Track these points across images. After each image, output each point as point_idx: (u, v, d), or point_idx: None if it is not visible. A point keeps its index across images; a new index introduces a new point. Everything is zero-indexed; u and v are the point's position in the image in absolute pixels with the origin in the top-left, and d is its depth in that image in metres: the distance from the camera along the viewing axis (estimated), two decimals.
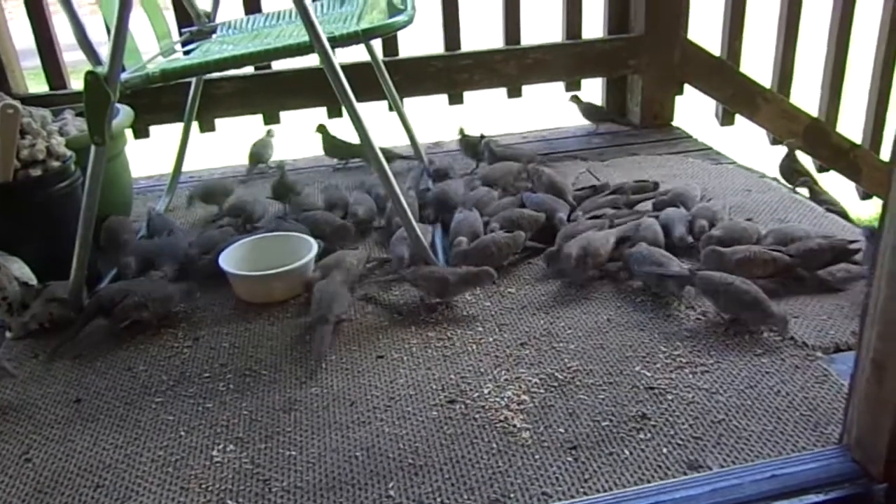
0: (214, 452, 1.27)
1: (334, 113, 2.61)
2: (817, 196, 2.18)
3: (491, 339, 1.54)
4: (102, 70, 1.42)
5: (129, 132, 2.28)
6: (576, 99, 2.73)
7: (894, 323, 0.98)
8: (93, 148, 1.50)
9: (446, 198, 2.00)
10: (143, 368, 1.52)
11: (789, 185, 2.26)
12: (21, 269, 1.67)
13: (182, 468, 1.24)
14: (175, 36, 2.12)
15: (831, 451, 1.12)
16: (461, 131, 2.49)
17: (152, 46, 1.97)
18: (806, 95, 2.81)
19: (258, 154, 2.52)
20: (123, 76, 1.47)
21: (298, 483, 1.20)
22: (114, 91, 1.42)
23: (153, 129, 2.55)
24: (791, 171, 2.31)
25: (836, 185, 2.85)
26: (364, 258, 1.80)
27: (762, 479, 1.06)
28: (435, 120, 3.29)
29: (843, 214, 2.09)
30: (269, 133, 2.58)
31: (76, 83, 2.50)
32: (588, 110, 2.75)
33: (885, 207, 0.98)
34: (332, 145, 2.49)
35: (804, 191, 2.23)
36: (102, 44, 1.55)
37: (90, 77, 1.40)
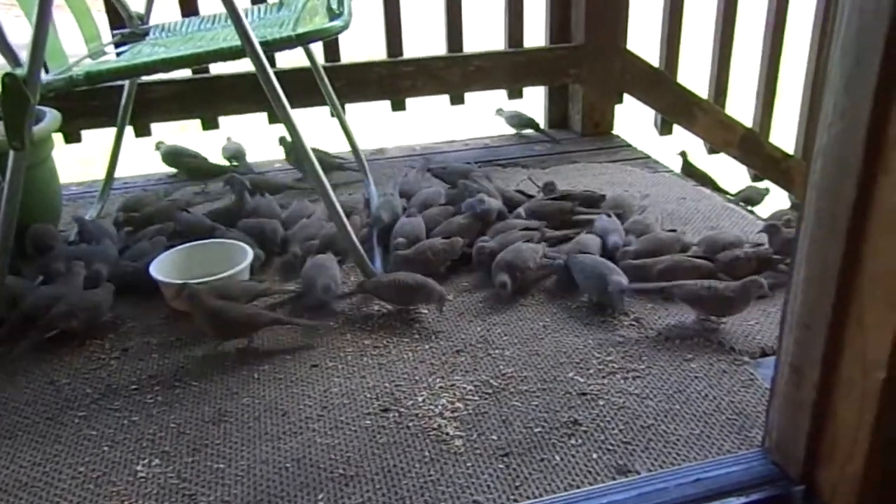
0: (139, 467, 1.24)
1: (275, 118, 2.56)
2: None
3: (427, 347, 1.53)
4: (22, 72, 1.36)
5: (58, 137, 2.21)
6: (500, 111, 2.84)
7: (809, 328, 1.00)
8: (11, 153, 1.44)
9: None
10: (67, 381, 1.46)
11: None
12: None
13: (104, 485, 1.20)
14: (108, 38, 2.06)
15: (753, 454, 1.14)
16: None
17: (84, 49, 1.91)
18: (741, 107, 2.89)
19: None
20: (45, 78, 1.42)
21: (225, 497, 1.17)
22: (34, 94, 1.37)
23: (86, 133, 2.48)
24: (687, 172, 2.54)
25: (770, 193, 2.94)
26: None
27: (686, 483, 1.08)
28: (377, 127, 3.29)
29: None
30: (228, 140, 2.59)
31: None
32: (512, 118, 2.84)
33: (800, 219, 1.01)
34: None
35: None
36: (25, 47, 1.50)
37: (8, 79, 1.35)
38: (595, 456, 1.22)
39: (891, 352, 0.91)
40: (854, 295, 0.94)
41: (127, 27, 2.06)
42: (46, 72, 1.46)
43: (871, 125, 0.87)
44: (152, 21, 2.12)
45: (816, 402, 1.02)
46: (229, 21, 1.94)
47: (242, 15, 1.42)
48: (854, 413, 0.97)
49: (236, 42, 1.48)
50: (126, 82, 2.14)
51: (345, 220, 1.61)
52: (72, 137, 2.44)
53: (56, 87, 1.42)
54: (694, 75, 2.87)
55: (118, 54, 1.90)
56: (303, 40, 1.56)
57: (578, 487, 1.15)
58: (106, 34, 2.09)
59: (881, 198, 0.89)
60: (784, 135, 2.93)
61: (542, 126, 2.87)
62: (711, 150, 2.91)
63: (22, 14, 1.54)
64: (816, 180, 0.97)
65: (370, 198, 2.21)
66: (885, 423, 0.95)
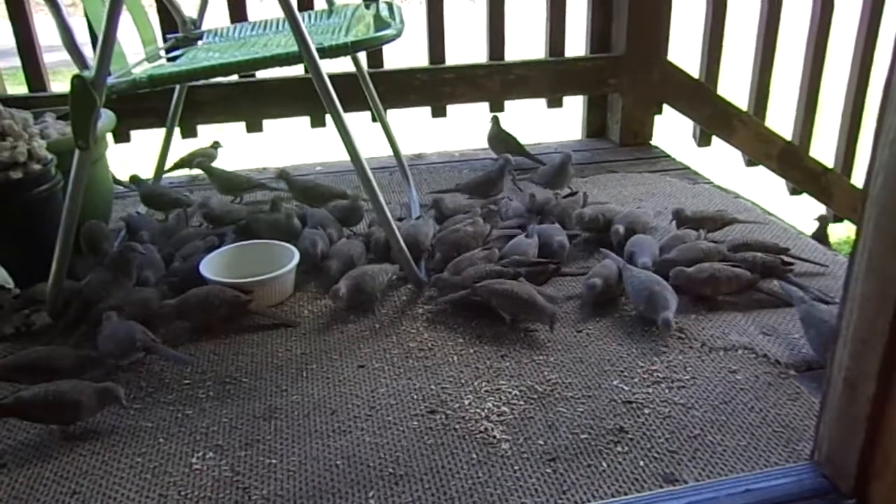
0: (193, 460, 1.27)
1: (317, 122, 2.62)
2: None
3: (471, 351, 1.55)
4: (89, 74, 1.41)
5: (109, 136, 2.27)
6: (495, 119, 2.60)
7: (866, 343, 1.01)
8: (77, 152, 1.49)
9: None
10: (122, 374, 1.50)
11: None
12: None
13: (160, 475, 1.24)
14: (160, 42, 2.11)
15: (803, 466, 1.15)
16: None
17: (135, 51, 1.97)
18: (781, 119, 2.88)
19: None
20: (110, 81, 1.47)
21: (279, 491, 1.20)
22: (100, 95, 1.42)
23: (133, 133, 2.54)
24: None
25: (808, 207, 2.92)
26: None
27: (736, 494, 1.09)
28: (417, 132, 3.32)
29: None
30: (213, 145, 2.55)
31: (56, 85, 2.48)
32: (497, 145, 2.58)
33: (858, 234, 1.01)
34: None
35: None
36: (85, 45, 1.54)
37: (77, 81, 1.39)
38: (642, 464, 1.23)
39: None
40: None
41: (179, 32, 2.11)
42: (109, 74, 1.51)
43: None
44: (204, 26, 2.17)
45: (870, 417, 1.02)
46: (281, 27, 2.01)
47: (301, 22, 1.45)
48: None
49: (293, 48, 1.52)
50: (177, 85, 2.19)
51: (395, 228, 1.64)
52: (121, 137, 2.50)
53: (120, 90, 1.47)
54: (734, 87, 2.87)
55: (170, 59, 1.95)
56: (357, 48, 1.59)
57: (626, 494, 1.16)
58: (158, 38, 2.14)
59: None
60: (824, 148, 2.91)
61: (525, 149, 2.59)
62: (750, 163, 2.91)
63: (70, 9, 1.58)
64: (876, 196, 0.97)
65: (411, 202, 2.24)
66: None
